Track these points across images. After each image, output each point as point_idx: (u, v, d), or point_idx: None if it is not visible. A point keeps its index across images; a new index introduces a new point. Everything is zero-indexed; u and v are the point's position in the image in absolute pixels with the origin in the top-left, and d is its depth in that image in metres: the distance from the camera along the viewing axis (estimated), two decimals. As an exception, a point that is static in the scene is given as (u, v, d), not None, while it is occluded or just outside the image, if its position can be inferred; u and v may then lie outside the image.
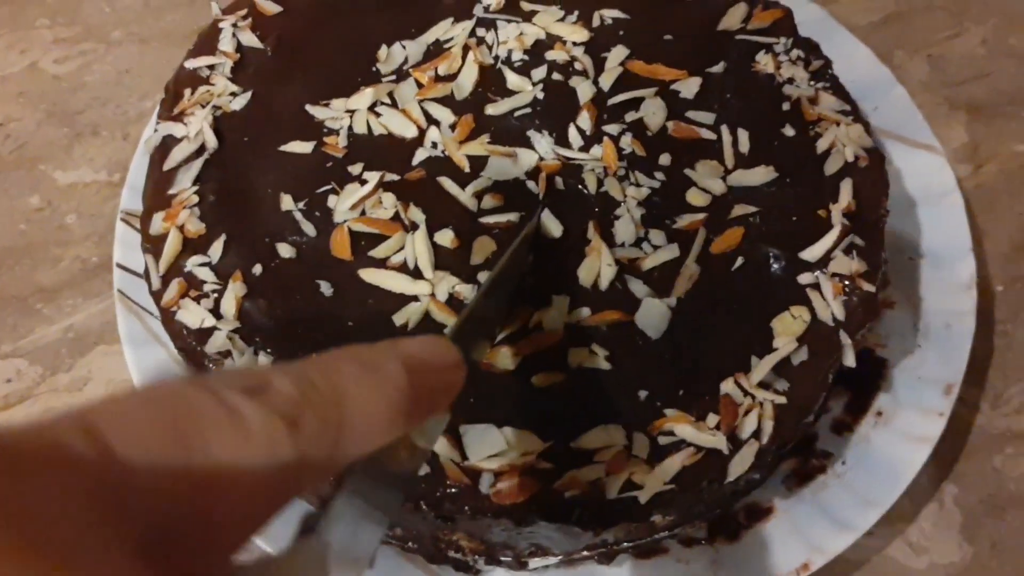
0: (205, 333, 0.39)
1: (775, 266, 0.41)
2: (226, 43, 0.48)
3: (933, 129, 0.53)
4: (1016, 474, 0.46)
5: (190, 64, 0.48)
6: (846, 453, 0.43)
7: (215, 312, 0.40)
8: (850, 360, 0.39)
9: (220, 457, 0.16)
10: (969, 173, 0.56)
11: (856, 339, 0.40)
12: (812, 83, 0.46)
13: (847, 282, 0.40)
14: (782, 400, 0.37)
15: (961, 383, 0.45)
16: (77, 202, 0.56)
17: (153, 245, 0.42)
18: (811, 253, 0.41)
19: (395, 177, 0.43)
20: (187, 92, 0.47)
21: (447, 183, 0.43)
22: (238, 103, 0.46)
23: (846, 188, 0.42)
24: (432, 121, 0.45)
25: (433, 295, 0.40)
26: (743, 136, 0.44)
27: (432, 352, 0.22)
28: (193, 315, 0.40)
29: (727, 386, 0.38)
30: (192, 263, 0.41)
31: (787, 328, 0.39)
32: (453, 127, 0.45)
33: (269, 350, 0.39)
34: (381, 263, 0.41)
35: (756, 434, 0.37)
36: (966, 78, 0.59)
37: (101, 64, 0.63)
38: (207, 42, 0.49)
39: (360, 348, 0.20)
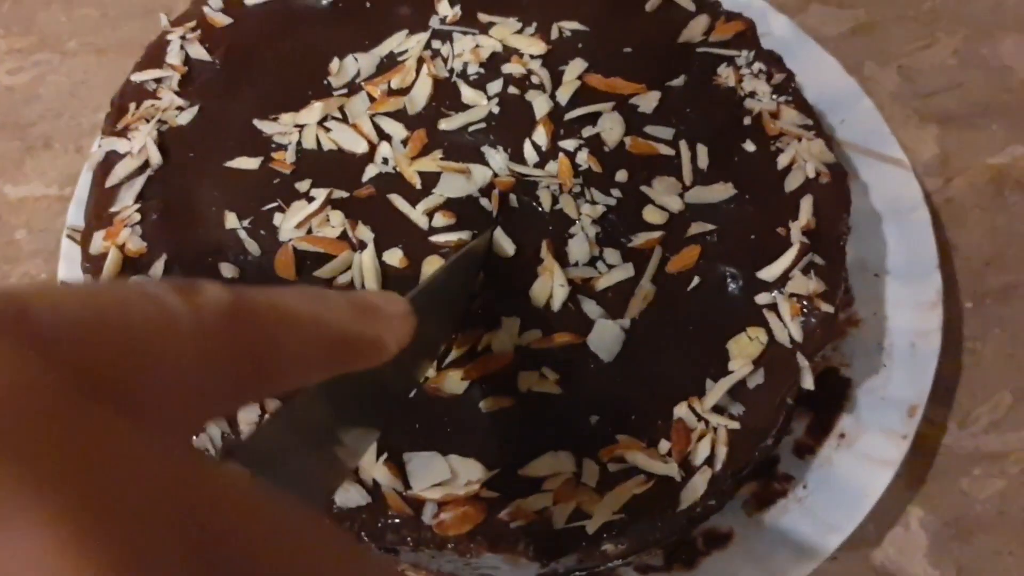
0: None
1: (732, 286, 0.40)
2: (174, 56, 0.47)
3: (903, 141, 0.52)
4: (983, 496, 0.46)
5: (136, 77, 0.47)
6: (807, 476, 0.43)
7: (154, 335, 0.39)
8: (808, 383, 0.38)
9: (142, 329, 0.15)
10: (939, 186, 0.55)
11: (815, 361, 0.39)
12: (774, 97, 0.46)
13: (805, 302, 0.39)
14: (736, 425, 0.37)
15: (928, 402, 0.44)
16: (27, 217, 0.55)
17: (93, 264, 0.41)
18: (769, 272, 0.40)
19: (344, 194, 0.42)
20: (132, 106, 0.46)
21: (398, 200, 0.42)
22: (184, 117, 0.45)
23: (806, 205, 0.42)
24: (384, 136, 0.44)
25: (380, 317, 0.39)
26: (702, 152, 0.44)
27: (381, 297, 0.22)
28: (131, 338, 0.39)
29: (680, 410, 0.37)
30: (132, 284, 0.40)
31: (743, 350, 0.38)
32: (405, 142, 0.44)
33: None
34: (327, 283, 0.40)
35: (709, 460, 0.36)
36: (937, 89, 0.59)
37: (56, 75, 0.62)
38: (155, 55, 0.48)
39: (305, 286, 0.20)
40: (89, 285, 0.16)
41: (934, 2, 0.62)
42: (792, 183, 0.43)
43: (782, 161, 0.43)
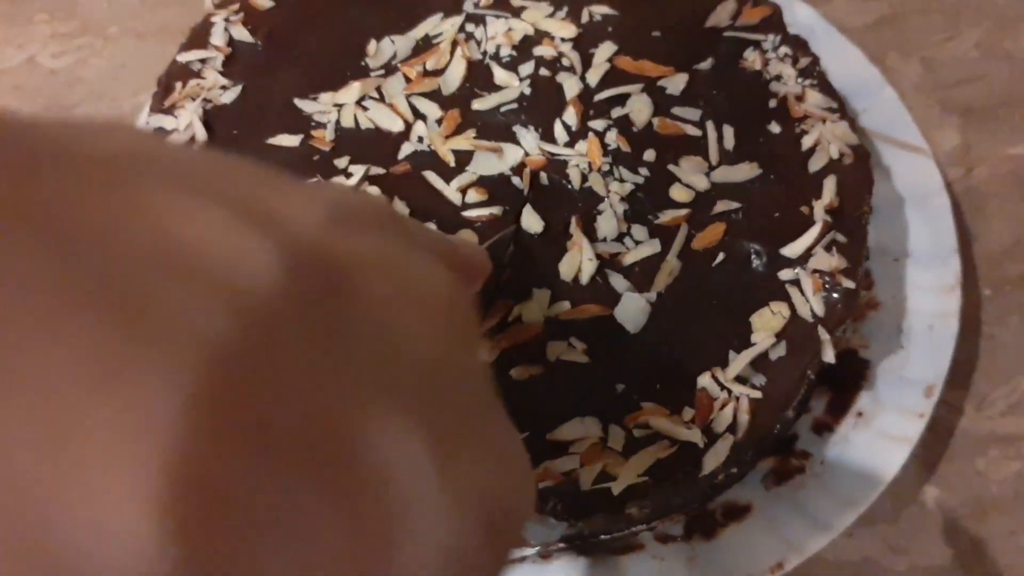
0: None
1: (756, 262, 0.41)
2: (218, 37, 0.49)
3: (925, 132, 0.53)
4: (999, 477, 0.47)
5: (182, 58, 0.49)
6: (825, 453, 0.44)
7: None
8: (829, 356, 0.39)
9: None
10: (960, 176, 0.56)
11: (836, 335, 0.40)
12: (799, 80, 0.47)
13: (827, 278, 0.40)
14: (757, 395, 0.38)
15: (946, 386, 0.45)
16: (71, 195, 0.57)
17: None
18: (792, 249, 0.41)
19: (380, 171, 0.44)
20: (178, 85, 0.47)
21: (432, 177, 0.44)
22: (228, 96, 0.47)
23: (829, 185, 0.43)
24: (419, 116, 0.46)
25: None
26: (728, 132, 0.45)
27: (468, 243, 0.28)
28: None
29: (704, 380, 0.38)
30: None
31: (766, 324, 0.40)
32: (439, 122, 0.45)
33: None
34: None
35: (731, 428, 0.37)
36: (959, 81, 0.60)
37: (98, 59, 0.64)
38: (199, 36, 0.50)
39: None
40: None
41: (957, -6, 0.63)
42: (816, 164, 0.44)
43: (806, 142, 0.44)
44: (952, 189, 0.54)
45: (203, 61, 0.49)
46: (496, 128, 0.45)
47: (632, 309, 0.40)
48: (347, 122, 0.46)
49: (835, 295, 0.40)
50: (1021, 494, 0.47)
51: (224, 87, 0.47)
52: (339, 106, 0.46)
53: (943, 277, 0.47)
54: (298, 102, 0.47)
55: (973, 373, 0.49)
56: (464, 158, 0.44)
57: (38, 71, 0.63)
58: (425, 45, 0.48)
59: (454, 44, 0.48)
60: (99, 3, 0.67)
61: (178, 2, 0.66)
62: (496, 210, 0.42)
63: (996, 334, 0.51)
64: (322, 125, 0.46)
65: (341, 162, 0.44)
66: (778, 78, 0.47)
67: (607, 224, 0.42)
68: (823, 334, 0.39)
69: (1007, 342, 0.50)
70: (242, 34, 0.49)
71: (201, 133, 0.45)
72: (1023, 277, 0.53)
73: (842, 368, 0.44)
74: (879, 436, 0.44)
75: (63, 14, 0.66)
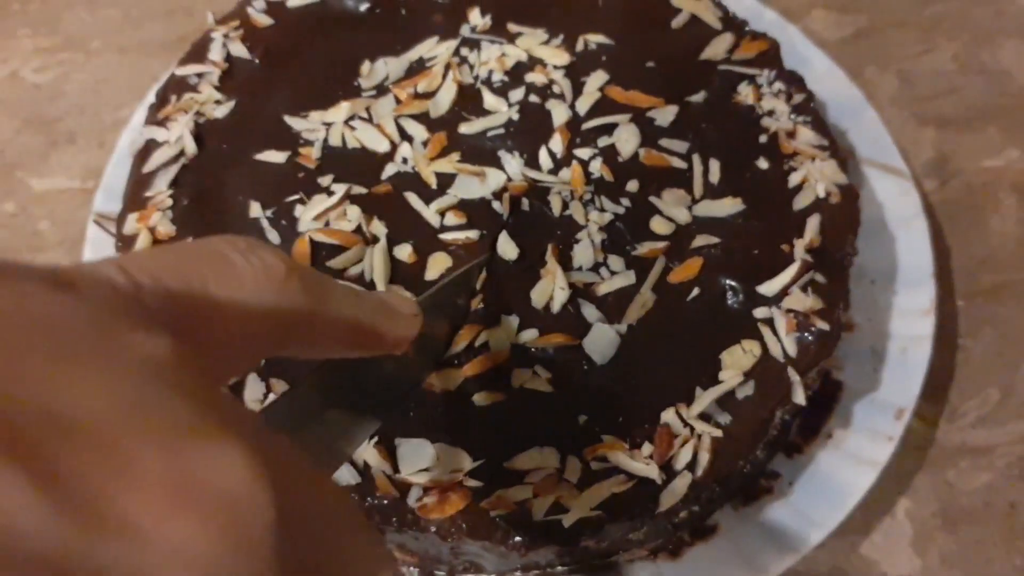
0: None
1: (732, 299, 0.42)
2: (215, 52, 0.51)
3: (901, 144, 0.54)
4: (969, 488, 0.47)
5: (180, 71, 0.51)
6: (794, 474, 0.45)
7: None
8: (799, 398, 0.40)
9: (216, 293, 0.20)
10: (936, 188, 0.57)
11: (808, 377, 0.41)
12: (792, 116, 0.48)
13: (801, 318, 0.41)
14: (719, 434, 0.39)
15: (919, 398, 0.46)
16: (51, 208, 0.59)
17: (124, 244, 0.45)
18: (769, 287, 0.42)
19: (362, 190, 0.46)
20: (173, 98, 0.50)
21: (412, 198, 0.45)
22: (221, 111, 0.49)
23: (812, 224, 0.44)
24: (406, 137, 0.47)
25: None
26: (714, 166, 0.46)
27: (398, 300, 0.28)
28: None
29: (667, 416, 0.39)
30: (157, 263, 0.44)
31: (736, 362, 0.40)
32: (425, 144, 0.47)
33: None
34: (339, 274, 0.43)
35: (691, 466, 0.38)
36: (936, 94, 0.61)
37: (80, 73, 0.66)
38: (199, 51, 0.52)
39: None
40: (179, 248, 0.21)
41: (935, 8, 0.65)
42: (801, 202, 0.45)
43: (793, 179, 0.45)
44: (928, 201, 0.55)
45: (200, 75, 0.51)
46: (481, 152, 0.47)
47: (601, 340, 0.41)
48: (334, 141, 0.48)
49: (809, 336, 0.41)
50: (990, 504, 0.47)
51: (218, 101, 0.50)
52: (328, 125, 0.48)
53: (919, 300, 0.48)
54: (288, 119, 0.48)
55: (946, 384, 0.50)
56: (447, 181, 0.46)
57: (21, 85, 0.65)
58: (419, 67, 0.50)
59: (447, 67, 0.50)
60: (82, 18, 0.69)
61: (161, 17, 0.68)
62: (473, 234, 0.44)
63: (969, 345, 0.51)
64: (310, 143, 0.48)
65: (325, 180, 0.46)
66: (771, 113, 0.48)
67: (583, 253, 0.43)
68: (793, 375, 0.40)
69: (979, 353, 0.51)
70: (240, 50, 0.52)
71: (191, 146, 0.48)
72: (997, 288, 0.54)
73: (814, 390, 0.45)
74: (848, 458, 0.44)
75: (46, 29, 0.68)
